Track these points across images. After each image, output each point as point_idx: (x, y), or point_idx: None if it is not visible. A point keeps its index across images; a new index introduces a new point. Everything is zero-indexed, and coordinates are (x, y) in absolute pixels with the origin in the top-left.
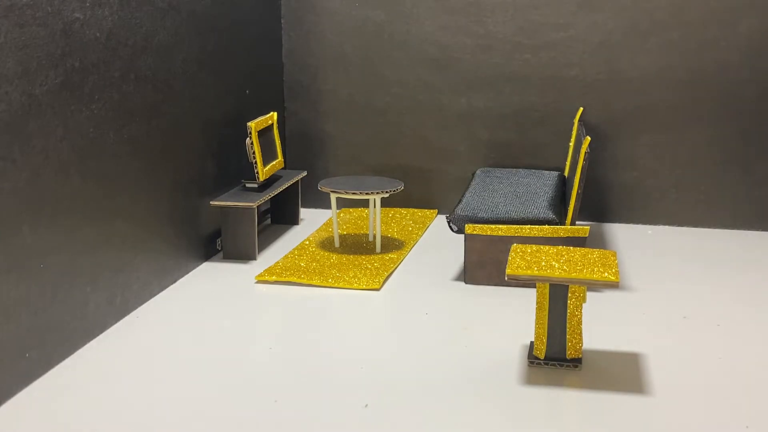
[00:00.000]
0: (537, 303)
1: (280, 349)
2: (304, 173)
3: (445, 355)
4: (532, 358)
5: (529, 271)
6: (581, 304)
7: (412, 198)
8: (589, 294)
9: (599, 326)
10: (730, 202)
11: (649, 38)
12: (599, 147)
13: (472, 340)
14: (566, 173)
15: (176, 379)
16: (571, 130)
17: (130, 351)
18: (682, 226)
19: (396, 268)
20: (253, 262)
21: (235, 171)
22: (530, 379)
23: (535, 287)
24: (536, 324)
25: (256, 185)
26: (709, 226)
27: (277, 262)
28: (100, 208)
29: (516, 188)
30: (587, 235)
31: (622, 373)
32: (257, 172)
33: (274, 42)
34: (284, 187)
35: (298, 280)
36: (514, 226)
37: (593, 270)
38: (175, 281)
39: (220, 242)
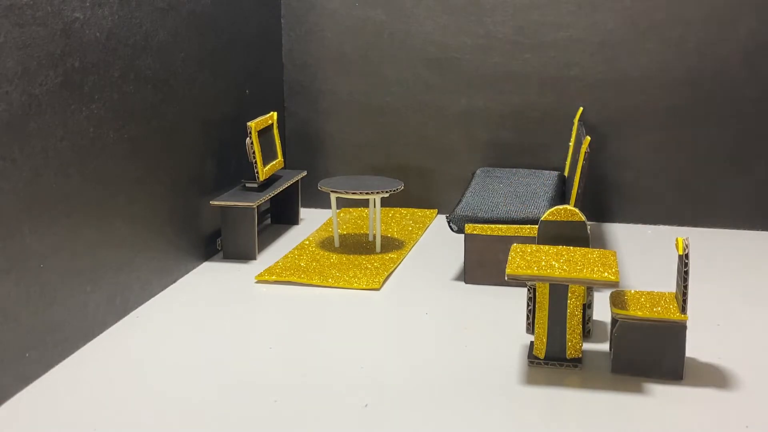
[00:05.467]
0: (537, 303)
1: (280, 349)
2: (304, 173)
3: (445, 355)
4: (532, 358)
5: (529, 271)
6: (581, 304)
7: (412, 198)
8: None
9: (599, 326)
10: (730, 201)
11: (648, 38)
12: (599, 147)
13: (472, 340)
14: (566, 173)
15: (176, 379)
16: (571, 129)
17: (130, 351)
18: (682, 226)
19: (396, 268)
20: (253, 262)
21: (235, 171)
22: (530, 379)
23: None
24: (536, 324)
25: (256, 185)
26: (709, 226)
27: (277, 262)
28: (100, 208)
29: (516, 188)
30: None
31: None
32: (257, 172)
33: (274, 42)
34: (284, 187)
35: (298, 280)
36: (514, 226)
37: (593, 270)
38: (175, 281)
39: (220, 242)
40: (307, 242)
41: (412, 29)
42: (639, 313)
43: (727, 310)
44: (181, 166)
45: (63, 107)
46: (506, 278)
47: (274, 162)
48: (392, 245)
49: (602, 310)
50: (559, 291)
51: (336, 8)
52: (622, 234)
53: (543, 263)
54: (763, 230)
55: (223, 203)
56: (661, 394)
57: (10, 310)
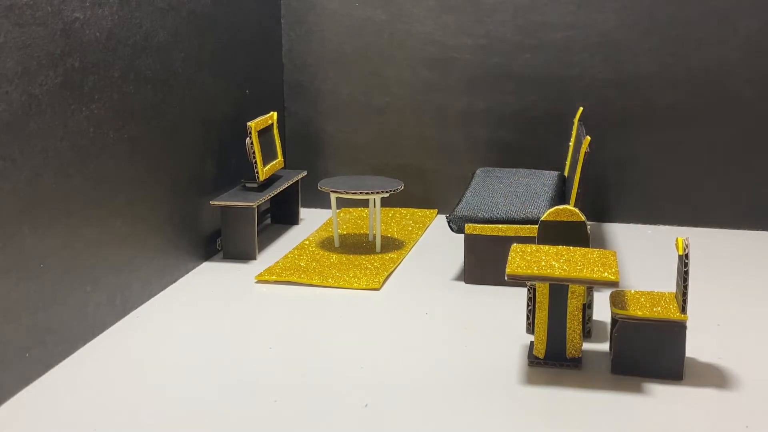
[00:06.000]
0: (537, 303)
1: (280, 349)
2: (304, 173)
3: (445, 355)
4: (532, 358)
5: (529, 271)
6: (581, 304)
7: (412, 198)
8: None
9: (599, 326)
10: (730, 201)
11: (649, 37)
12: (599, 147)
13: (472, 340)
14: (566, 173)
15: (176, 379)
16: (571, 129)
17: (130, 351)
18: (682, 225)
19: (396, 268)
20: (253, 262)
21: (235, 171)
22: (530, 379)
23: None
24: (536, 324)
25: (256, 185)
26: (709, 226)
27: (277, 262)
28: (100, 208)
29: (516, 188)
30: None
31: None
32: (257, 172)
33: (274, 42)
34: (284, 187)
35: (298, 280)
36: (514, 226)
37: (593, 270)
38: (175, 281)
39: (220, 242)
40: (307, 242)
41: (412, 29)
42: (639, 313)
43: (727, 310)
44: (181, 166)
45: (63, 107)
46: (506, 278)
47: (274, 162)
48: (392, 245)
49: (602, 310)
50: (559, 291)
51: (336, 8)
52: (622, 234)
53: (543, 263)
54: (763, 230)
55: (223, 203)
56: (661, 394)
57: (10, 310)
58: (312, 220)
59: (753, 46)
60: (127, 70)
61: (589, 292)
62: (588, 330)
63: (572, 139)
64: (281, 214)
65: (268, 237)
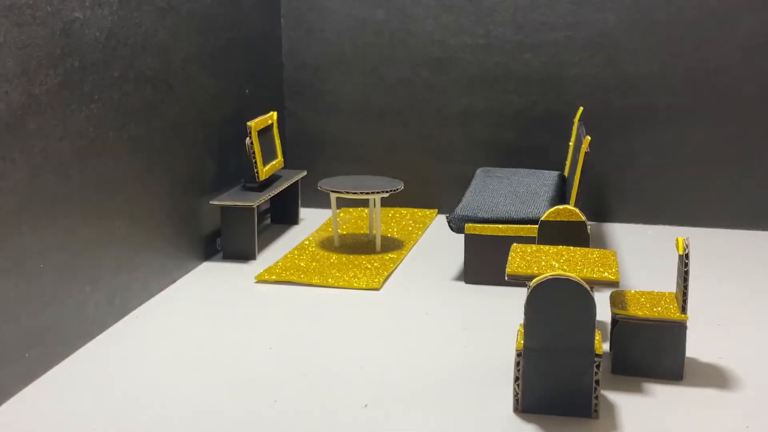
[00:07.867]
0: None
1: (280, 349)
2: (304, 173)
3: (444, 355)
4: None
5: (529, 271)
6: None
7: (412, 198)
8: None
9: (600, 326)
10: (730, 201)
11: (649, 37)
12: (599, 146)
13: (472, 340)
14: (566, 173)
15: (176, 379)
16: (571, 129)
17: (130, 351)
18: (682, 225)
19: (396, 268)
20: (253, 262)
21: (234, 170)
22: None
23: None
24: None
25: (255, 185)
26: (709, 226)
27: (277, 262)
28: (100, 208)
29: (516, 188)
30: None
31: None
32: (257, 172)
33: (273, 41)
34: (284, 187)
35: (298, 280)
36: (514, 225)
37: (593, 270)
38: (175, 281)
39: (219, 242)
40: (307, 242)
41: (412, 29)
42: (639, 313)
43: (728, 310)
44: (180, 165)
45: (62, 107)
46: (506, 278)
47: (273, 162)
48: (392, 245)
49: (602, 310)
50: None
51: (336, 8)
52: (622, 234)
53: (543, 263)
54: (763, 230)
55: (222, 203)
56: (661, 394)
57: (10, 310)
58: (312, 220)
59: (753, 46)
60: (126, 70)
61: None
62: None
63: (572, 138)
64: (281, 214)
65: (267, 237)
